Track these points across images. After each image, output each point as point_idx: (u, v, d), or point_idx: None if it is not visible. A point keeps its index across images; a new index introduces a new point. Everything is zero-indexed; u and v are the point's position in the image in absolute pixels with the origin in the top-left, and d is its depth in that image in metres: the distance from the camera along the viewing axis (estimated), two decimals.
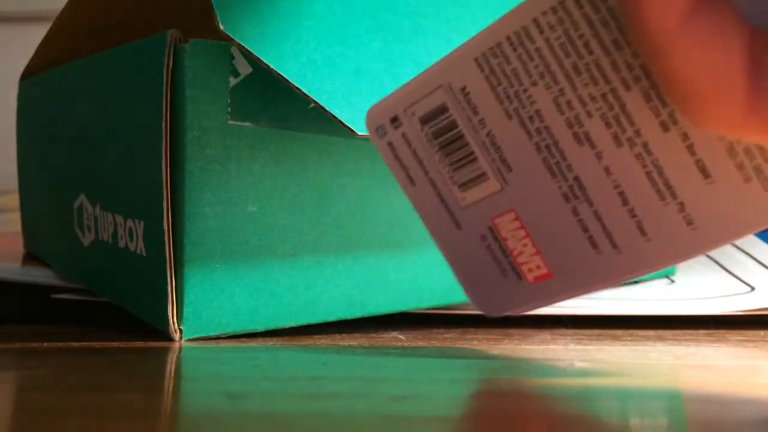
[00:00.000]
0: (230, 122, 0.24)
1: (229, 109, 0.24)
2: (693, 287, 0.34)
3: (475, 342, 0.26)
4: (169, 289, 0.24)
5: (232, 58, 0.24)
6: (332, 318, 0.27)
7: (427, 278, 0.29)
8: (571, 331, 0.29)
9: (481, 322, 0.30)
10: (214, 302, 0.25)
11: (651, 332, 0.29)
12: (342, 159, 0.26)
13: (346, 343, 0.26)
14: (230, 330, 0.25)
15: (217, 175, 0.24)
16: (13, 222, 0.47)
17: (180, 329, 0.24)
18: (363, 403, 0.18)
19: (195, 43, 0.23)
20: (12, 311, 0.32)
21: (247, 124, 0.24)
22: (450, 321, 0.28)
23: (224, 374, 0.21)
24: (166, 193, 0.24)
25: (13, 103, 0.40)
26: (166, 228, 0.24)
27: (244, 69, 0.24)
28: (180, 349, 0.24)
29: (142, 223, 0.25)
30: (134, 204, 0.26)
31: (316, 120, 0.26)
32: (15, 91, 0.40)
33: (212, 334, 0.25)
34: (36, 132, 0.36)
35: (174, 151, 0.24)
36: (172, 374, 0.21)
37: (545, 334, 0.28)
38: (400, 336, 0.27)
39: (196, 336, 0.25)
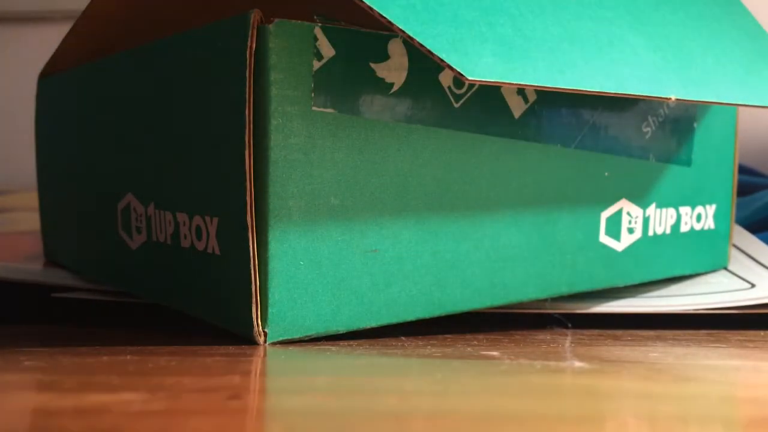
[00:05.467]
0: (314, 109, 0.23)
1: (312, 95, 0.22)
2: (693, 284, 0.34)
3: (475, 342, 0.26)
4: (253, 289, 0.22)
5: (316, 39, 0.22)
6: (412, 317, 0.26)
7: (501, 273, 0.28)
8: (571, 331, 0.29)
9: (481, 322, 0.29)
10: (298, 302, 0.23)
11: (651, 332, 0.29)
12: (421, 147, 0.25)
13: (349, 344, 0.24)
14: (313, 332, 0.24)
15: (300, 165, 0.23)
16: (13, 222, 0.46)
17: (264, 332, 0.23)
18: (361, 402, 0.18)
19: (280, 24, 0.22)
20: (12, 311, 0.31)
21: (330, 110, 0.23)
22: (450, 321, 0.27)
23: (222, 373, 0.20)
24: (249, 185, 0.22)
25: (15, 103, 0.38)
26: (249, 223, 0.22)
27: (328, 51, 0.23)
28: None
29: (215, 219, 0.23)
30: (205, 199, 0.24)
31: (398, 106, 0.24)
32: (16, 92, 0.38)
33: (296, 336, 0.23)
34: (63, 132, 0.34)
35: (255, 140, 0.22)
36: (172, 373, 0.20)
37: (545, 334, 0.28)
38: (401, 336, 0.26)
39: (280, 339, 0.23)
